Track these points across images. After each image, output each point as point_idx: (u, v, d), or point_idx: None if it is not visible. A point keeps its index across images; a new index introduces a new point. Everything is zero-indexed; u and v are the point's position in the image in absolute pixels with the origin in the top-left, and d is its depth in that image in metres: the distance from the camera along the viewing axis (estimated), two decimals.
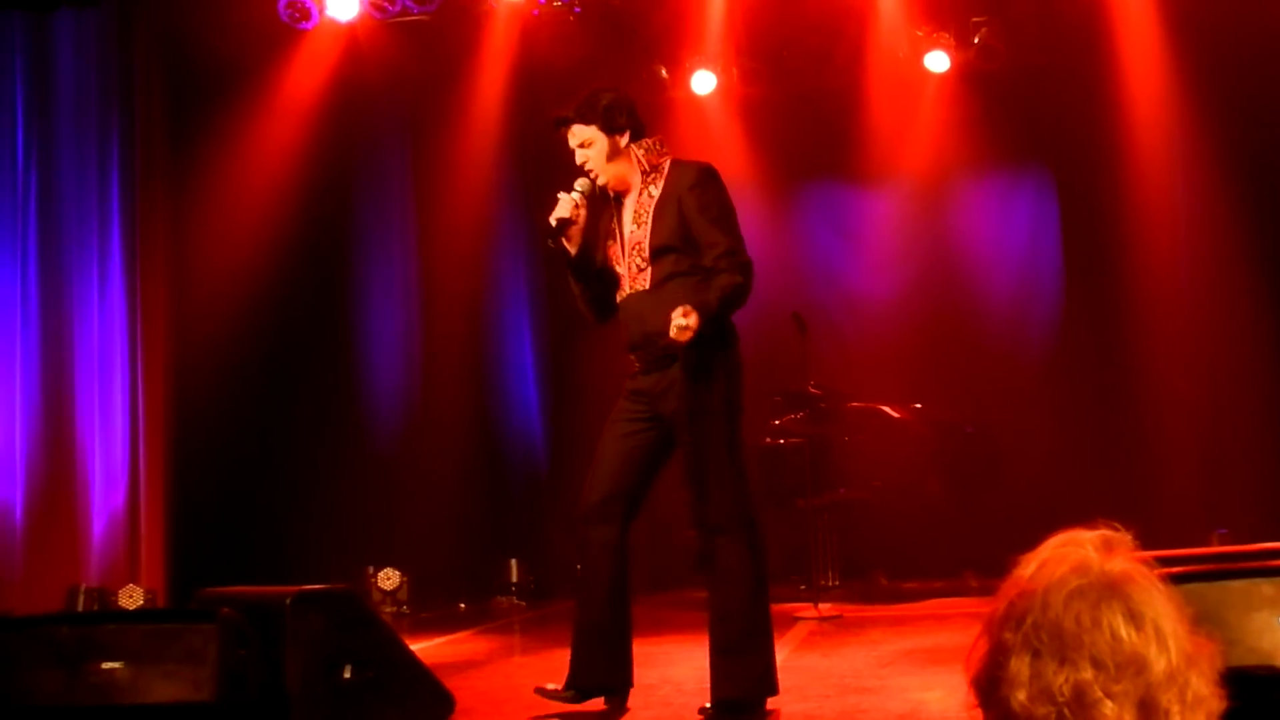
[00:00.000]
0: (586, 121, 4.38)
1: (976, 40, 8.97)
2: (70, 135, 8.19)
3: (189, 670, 3.95)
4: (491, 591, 8.85)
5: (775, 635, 5.08)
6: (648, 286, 4.35)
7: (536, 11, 8.99)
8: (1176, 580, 3.13)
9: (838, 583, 8.18)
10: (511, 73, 9.21)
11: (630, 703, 4.45)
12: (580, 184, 4.41)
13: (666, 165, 4.41)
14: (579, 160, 4.41)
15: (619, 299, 4.47)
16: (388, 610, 8.31)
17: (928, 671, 4.99)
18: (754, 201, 9.48)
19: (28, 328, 8.01)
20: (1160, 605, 1.31)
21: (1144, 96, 8.52)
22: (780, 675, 4.42)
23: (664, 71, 9.46)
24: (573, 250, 4.41)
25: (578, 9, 9.03)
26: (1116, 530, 1.40)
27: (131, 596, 7.48)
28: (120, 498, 7.89)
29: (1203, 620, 3.12)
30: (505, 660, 6.28)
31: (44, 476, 7.88)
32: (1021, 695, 1.28)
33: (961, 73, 9.12)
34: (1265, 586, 3.15)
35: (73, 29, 8.30)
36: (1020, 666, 1.29)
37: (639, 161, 4.39)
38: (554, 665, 5.69)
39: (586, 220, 4.42)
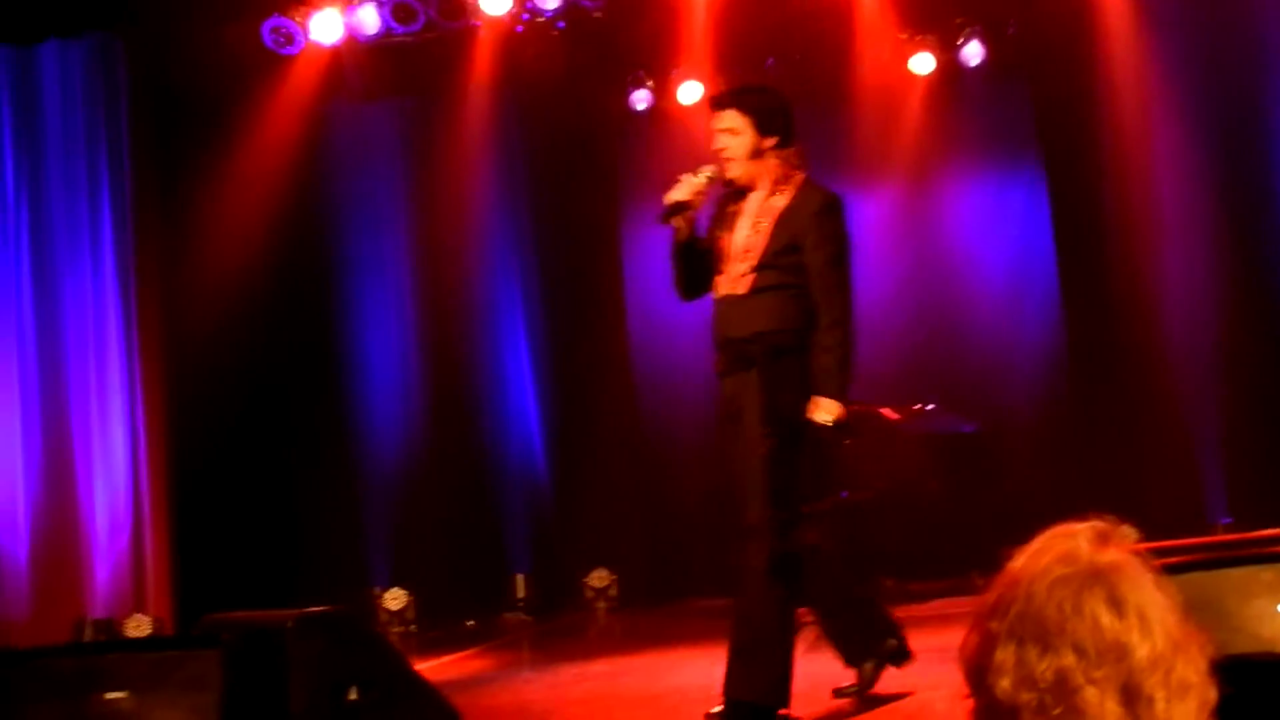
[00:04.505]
0: (743, 111, 4.38)
1: (960, 42, 9.00)
2: (59, 167, 8.21)
3: (192, 697, 3.95)
4: (499, 608, 8.84)
5: None
6: (743, 292, 4.37)
7: (520, 28, 9.01)
8: (1175, 570, 3.14)
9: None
10: (497, 90, 9.22)
11: (635, 714, 4.45)
12: (708, 169, 4.41)
13: (799, 179, 4.45)
14: (717, 144, 4.41)
15: (714, 295, 4.49)
16: (395, 630, 8.29)
17: (935, 671, 4.98)
18: None
19: (25, 361, 8.02)
20: (1146, 592, 1.31)
21: (1130, 92, 8.53)
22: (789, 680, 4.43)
23: (650, 83, 9.48)
24: (684, 233, 4.42)
25: (561, 24, 9.05)
26: (1110, 522, 1.40)
27: (138, 626, 7.48)
28: (124, 527, 7.89)
29: (1203, 609, 3.14)
30: (513, 676, 6.28)
31: (47, 512, 7.88)
32: (1005, 683, 1.29)
33: (947, 74, 9.14)
34: (1265, 573, 3.15)
35: (58, 61, 8.32)
36: (1005, 655, 1.30)
37: (775, 167, 4.41)
38: (563, 680, 5.70)
39: (703, 203, 4.44)
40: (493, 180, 9.44)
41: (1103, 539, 1.37)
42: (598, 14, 8.94)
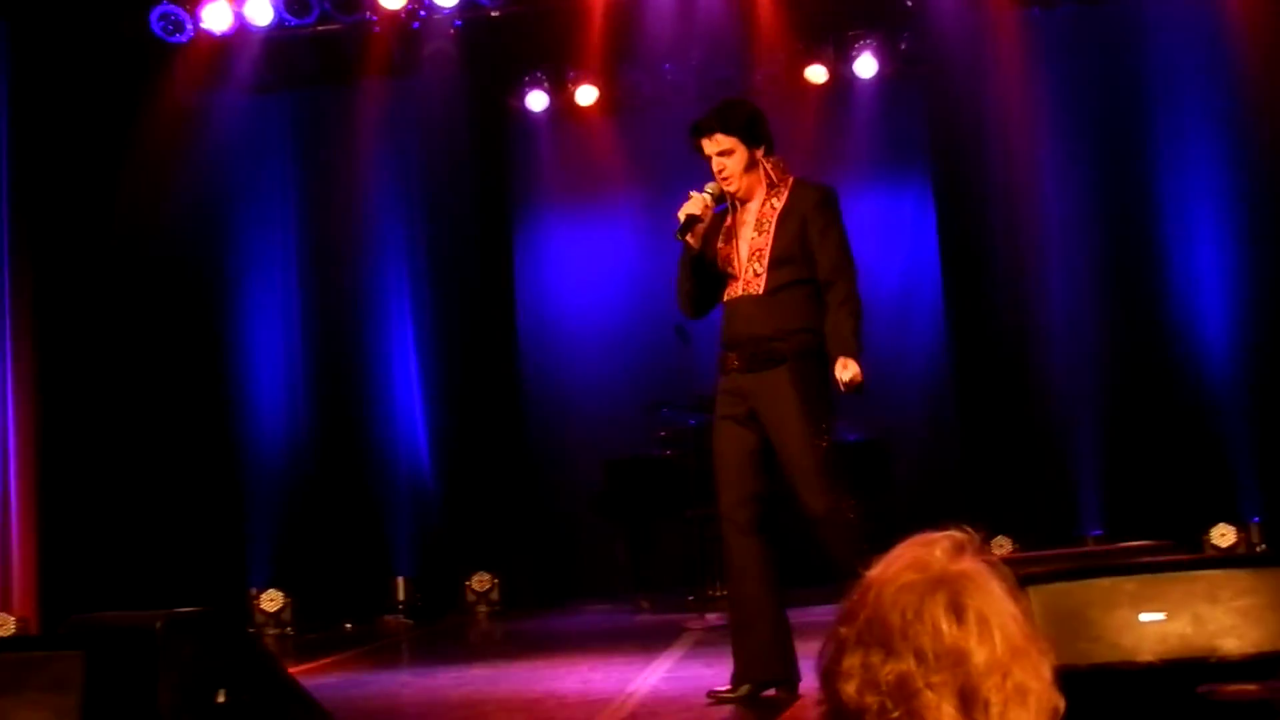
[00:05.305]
0: (730, 131, 4.54)
1: (854, 54, 9.13)
2: None
3: (54, 699, 3.83)
4: (379, 610, 8.74)
5: (663, 645, 5.11)
6: (760, 292, 4.50)
7: (416, 24, 8.93)
8: (1041, 579, 3.18)
9: (726, 593, 8.19)
10: (391, 86, 9.14)
11: (512, 718, 4.42)
12: (710, 186, 4.58)
13: (790, 180, 4.61)
14: (716, 167, 4.57)
15: (726, 298, 4.61)
16: (271, 632, 8.16)
17: (809, 679, 5.02)
18: (636, 213, 9.52)
19: None
20: (990, 600, 1.32)
21: (1019, 111, 8.69)
22: (662, 685, 4.44)
23: (547, 84, 9.47)
24: (696, 246, 4.56)
25: (458, 22, 8.99)
26: (969, 532, 1.42)
27: (1, 625, 7.26)
28: None
29: (1067, 618, 3.19)
30: (390, 680, 6.20)
31: None
32: (851, 687, 1.30)
33: (840, 85, 9.26)
34: (1128, 584, 3.22)
35: None
36: (853, 660, 1.31)
37: (767, 173, 4.57)
38: (440, 684, 5.65)
39: (709, 217, 4.59)
40: (384, 178, 9.34)
41: (959, 548, 1.38)
42: (495, 13, 8.91)
